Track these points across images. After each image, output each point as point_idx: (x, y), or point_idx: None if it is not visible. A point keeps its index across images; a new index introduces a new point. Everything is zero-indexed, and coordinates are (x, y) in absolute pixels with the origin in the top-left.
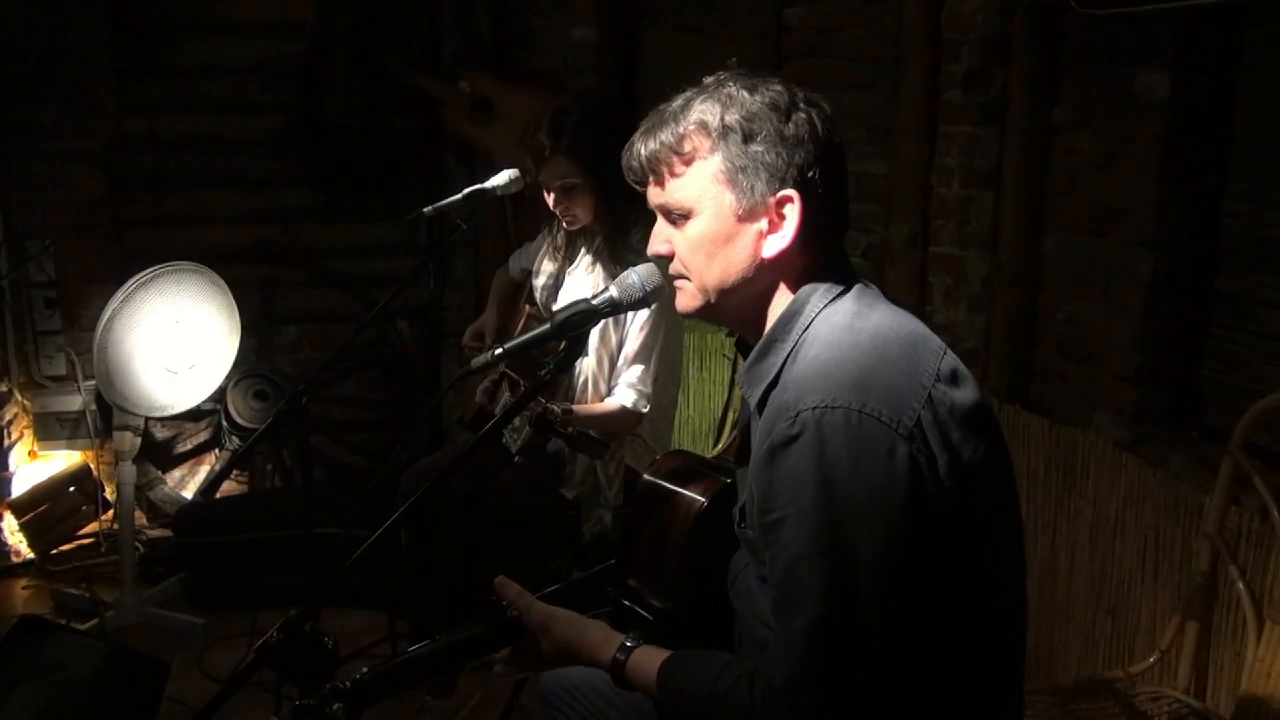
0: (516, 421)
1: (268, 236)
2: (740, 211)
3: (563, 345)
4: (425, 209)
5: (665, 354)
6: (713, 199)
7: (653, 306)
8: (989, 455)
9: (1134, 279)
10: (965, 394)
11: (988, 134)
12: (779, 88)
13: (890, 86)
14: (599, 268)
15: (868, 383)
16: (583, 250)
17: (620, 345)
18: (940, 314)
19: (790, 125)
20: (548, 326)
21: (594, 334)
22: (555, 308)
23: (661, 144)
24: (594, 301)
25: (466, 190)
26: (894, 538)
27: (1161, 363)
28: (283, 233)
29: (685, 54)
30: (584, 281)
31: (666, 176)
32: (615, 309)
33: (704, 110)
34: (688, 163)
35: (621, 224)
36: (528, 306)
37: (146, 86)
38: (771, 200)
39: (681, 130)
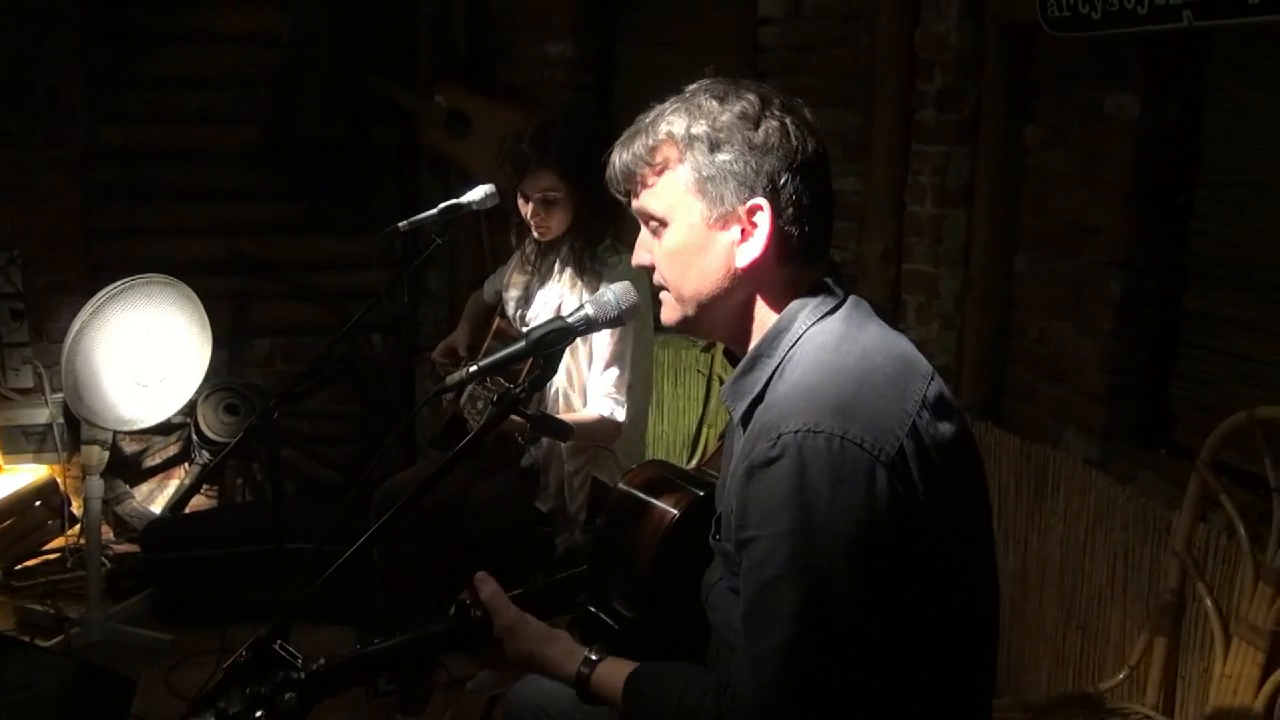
0: (479, 404)
1: (241, 249)
2: (711, 220)
3: (529, 362)
4: (400, 223)
5: (638, 363)
6: (684, 208)
7: None
8: (968, 484)
9: (1104, 297)
10: (949, 423)
11: (960, 153)
12: (751, 95)
13: (864, 105)
14: (569, 279)
15: (852, 408)
16: (553, 262)
17: (590, 357)
18: (913, 331)
19: (759, 133)
20: (522, 344)
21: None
22: (527, 320)
23: (634, 154)
24: (569, 319)
25: (442, 205)
26: (869, 562)
27: (1131, 381)
28: (256, 245)
29: (661, 70)
30: (554, 293)
31: (640, 186)
32: (590, 327)
33: (672, 121)
34: (659, 173)
35: (594, 237)
36: (499, 320)
37: (120, 96)
38: (742, 209)
39: (651, 141)
